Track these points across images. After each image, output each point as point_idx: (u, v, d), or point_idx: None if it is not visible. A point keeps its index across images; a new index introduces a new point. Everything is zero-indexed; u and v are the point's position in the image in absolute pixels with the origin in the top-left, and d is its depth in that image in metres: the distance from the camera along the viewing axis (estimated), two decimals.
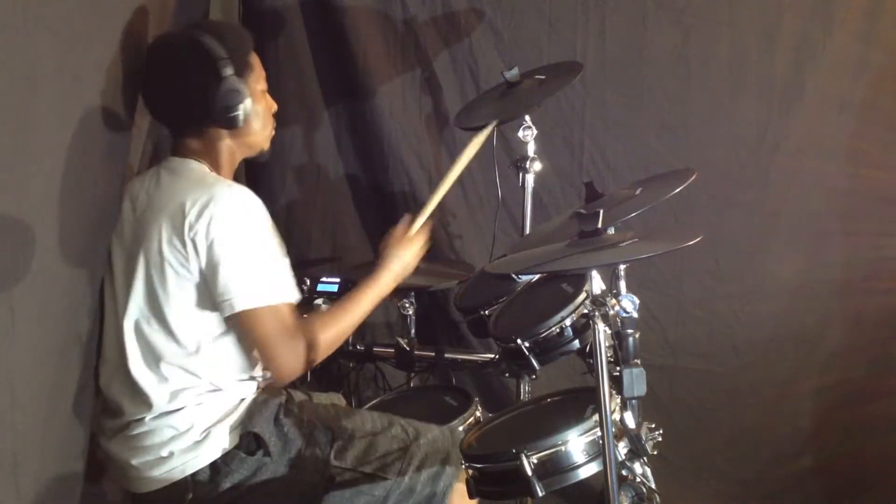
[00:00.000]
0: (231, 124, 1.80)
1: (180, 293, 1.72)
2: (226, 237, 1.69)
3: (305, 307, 2.67)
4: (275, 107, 1.93)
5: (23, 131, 1.33)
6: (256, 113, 1.85)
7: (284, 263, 1.82)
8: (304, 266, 3.02)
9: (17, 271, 1.37)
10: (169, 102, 1.83)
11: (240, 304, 1.70)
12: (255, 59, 1.86)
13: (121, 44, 1.73)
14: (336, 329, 1.84)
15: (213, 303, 1.73)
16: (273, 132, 1.94)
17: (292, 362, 1.74)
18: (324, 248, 3.07)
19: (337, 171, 3.04)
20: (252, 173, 2.96)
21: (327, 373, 2.81)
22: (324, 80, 2.97)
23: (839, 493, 2.88)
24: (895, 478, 2.80)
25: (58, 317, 1.58)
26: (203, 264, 1.70)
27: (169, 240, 1.70)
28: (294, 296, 1.79)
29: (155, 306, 1.74)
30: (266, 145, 1.93)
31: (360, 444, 1.83)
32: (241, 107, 1.78)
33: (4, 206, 1.30)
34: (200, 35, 1.76)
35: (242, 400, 1.82)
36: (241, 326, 1.74)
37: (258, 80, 1.86)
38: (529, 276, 2.21)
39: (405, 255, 1.99)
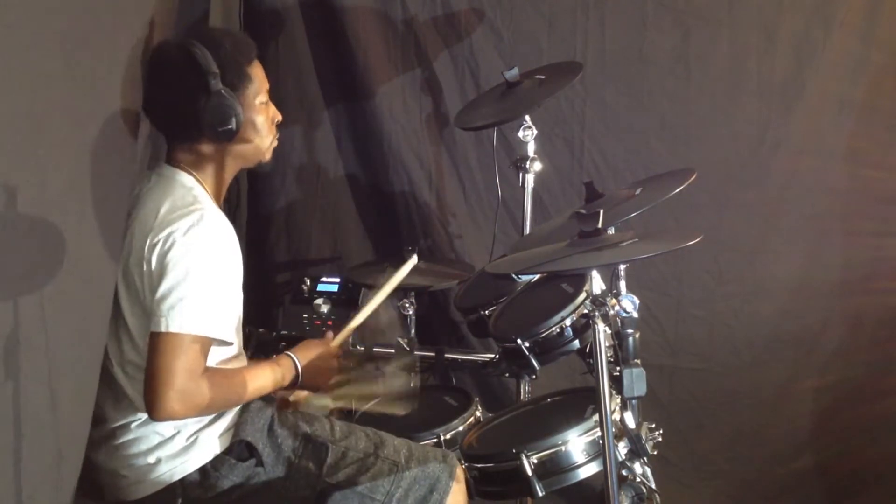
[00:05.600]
0: (222, 138, 1.75)
1: (136, 297, 1.68)
2: (183, 253, 1.63)
3: (305, 307, 2.70)
4: (279, 117, 1.88)
5: (35, 130, 1.32)
6: (253, 125, 1.81)
7: (234, 301, 1.75)
8: (304, 266, 3.02)
9: (44, 269, 1.37)
10: (162, 113, 1.80)
11: (174, 325, 1.60)
12: (255, 70, 1.81)
13: (126, 44, 1.72)
14: (229, 398, 1.72)
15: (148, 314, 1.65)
16: (276, 142, 1.89)
17: (178, 404, 1.60)
18: (324, 248, 3.06)
19: (337, 171, 3.04)
20: (252, 173, 2.96)
21: None
22: (324, 80, 2.97)
23: (839, 493, 2.89)
24: (895, 478, 2.80)
25: (87, 314, 1.57)
26: (153, 271, 1.64)
27: (139, 244, 1.67)
28: (223, 334, 1.70)
29: (119, 308, 1.70)
30: (266, 156, 1.88)
31: (352, 463, 1.82)
32: (233, 121, 1.72)
33: (25, 205, 1.30)
34: (193, 46, 1.72)
35: None
36: (158, 345, 1.62)
37: (258, 91, 1.81)
38: (529, 276, 2.21)
39: (316, 359, 1.88)
